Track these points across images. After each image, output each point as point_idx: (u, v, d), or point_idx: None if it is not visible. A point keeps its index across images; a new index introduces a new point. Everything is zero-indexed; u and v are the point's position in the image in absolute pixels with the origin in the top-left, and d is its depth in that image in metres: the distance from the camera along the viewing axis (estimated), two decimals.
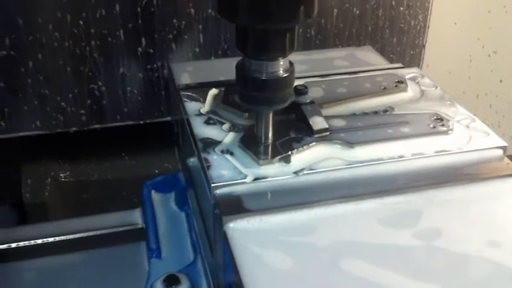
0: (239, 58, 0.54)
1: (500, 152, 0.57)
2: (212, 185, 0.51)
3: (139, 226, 0.77)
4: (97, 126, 0.91)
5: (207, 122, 0.61)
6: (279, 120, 0.57)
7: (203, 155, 0.55)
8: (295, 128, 0.58)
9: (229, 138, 0.58)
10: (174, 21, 0.85)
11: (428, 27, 1.00)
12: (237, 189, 0.51)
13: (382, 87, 0.66)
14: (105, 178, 1.04)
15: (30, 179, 1.02)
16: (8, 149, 0.93)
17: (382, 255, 0.46)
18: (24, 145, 0.94)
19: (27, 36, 0.81)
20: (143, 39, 0.85)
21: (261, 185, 0.52)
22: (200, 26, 0.86)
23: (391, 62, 0.96)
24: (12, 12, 0.79)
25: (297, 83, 0.63)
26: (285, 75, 0.52)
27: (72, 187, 1.05)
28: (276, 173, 0.53)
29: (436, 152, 0.55)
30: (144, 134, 0.95)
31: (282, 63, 0.52)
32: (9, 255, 0.74)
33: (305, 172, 0.53)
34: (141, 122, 0.92)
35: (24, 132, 0.89)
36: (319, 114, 0.58)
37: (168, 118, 0.90)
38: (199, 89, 0.67)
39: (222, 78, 0.70)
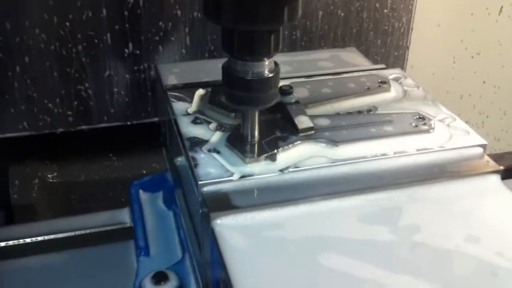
0: (225, 59, 0.55)
1: (480, 150, 0.58)
2: (199, 182, 0.52)
3: (128, 225, 0.77)
4: (84, 127, 0.91)
5: (194, 122, 0.62)
6: (265, 119, 0.59)
7: (190, 153, 0.56)
8: (280, 127, 0.59)
9: (216, 137, 0.59)
10: (161, 23, 0.85)
11: (412, 29, 1.01)
12: (224, 186, 0.52)
13: (366, 88, 0.67)
14: (92, 179, 1.05)
15: (18, 179, 1.02)
16: None
17: (363, 250, 0.47)
18: (12, 146, 0.94)
19: (14, 38, 0.81)
20: (130, 41, 0.86)
21: (247, 182, 0.53)
22: (186, 28, 0.87)
23: (376, 63, 0.98)
24: (1, 15, 0.80)
25: (282, 83, 0.64)
26: (270, 75, 0.53)
27: (59, 188, 1.05)
28: (262, 170, 0.54)
29: (417, 150, 0.57)
30: (131, 135, 0.95)
31: (267, 63, 0.53)
32: None
33: (290, 170, 0.54)
34: (128, 123, 0.92)
35: (11, 133, 0.89)
36: (304, 113, 0.60)
37: (155, 119, 0.91)
38: (186, 90, 0.68)
39: (208, 79, 0.71)
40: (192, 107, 0.65)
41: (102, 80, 0.87)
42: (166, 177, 0.80)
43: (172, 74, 0.74)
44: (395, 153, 0.56)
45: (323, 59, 0.79)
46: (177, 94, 0.67)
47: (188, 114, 0.64)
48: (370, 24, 0.98)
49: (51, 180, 1.04)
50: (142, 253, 0.69)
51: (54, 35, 0.82)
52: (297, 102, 0.61)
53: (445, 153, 0.57)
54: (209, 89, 0.67)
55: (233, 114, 0.62)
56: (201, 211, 0.52)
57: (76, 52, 0.84)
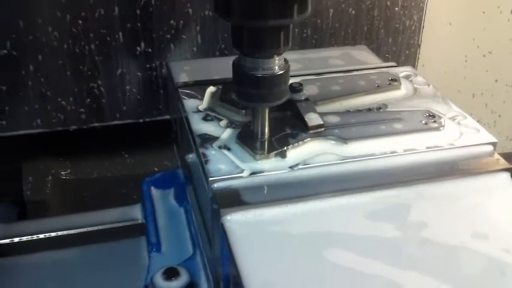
0: (236, 57, 0.56)
1: (490, 147, 0.58)
2: (210, 179, 0.52)
3: (140, 221, 0.78)
4: (96, 124, 0.92)
5: (205, 119, 0.62)
6: (275, 116, 0.59)
7: (201, 150, 0.57)
8: (290, 124, 0.59)
9: (226, 134, 0.59)
10: (172, 21, 0.86)
11: (423, 27, 1.02)
12: (235, 183, 0.53)
13: (376, 85, 0.68)
14: (104, 176, 1.06)
15: (31, 176, 1.03)
16: (9, 147, 0.94)
17: (371, 246, 0.48)
18: (25, 143, 0.95)
19: (27, 36, 0.82)
20: (142, 39, 0.87)
21: (257, 179, 0.53)
22: (198, 27, 0.87)
23: (387, 61, 0.98)
24: (13, 12, 0.81)
25: (292, 81, 0.65)
26: (280, 72, 0.54)
27: (72, 185, 1.06)
28: (272, 167, 0.54)
29: (427, 148, 0.57)
30: (143, 132, 0.96)
31: (277, 60, 0.53)
32: (11, 250, 0.75)
33: (300, 167, 0.54)
34: (140, 121, 0.93)
35: (24, 130, 0.90)
36: (314, 111, 0.60)
37: (167, 117, 0.92)
38: (197, 87, 0.69)
39: (219, 76, 0.71)
40: (203, 104, 0.65)
41: (115, 77, 0.88)
42: (177, 174, 0.80)
43: (183, 72, 0.74)
44: (404, 150, 0.57)
45: (333, 57, 0.79)
46: (188, 91, 0.68)
47: (199, 111, 0.64)
48: (381, 22, 0.98)
49: (64, 177, 1.05)
50: (154, 249, 0.70)
51: (66, 32, 0.83)
52: (306, 99, 0.62)
53: (455, 151, 0.57)
54: (220, 87, 0.67)
55: (244, 111, 0.62)
56: (211, 207, 0.53)
57: (89, 50, 0.85)
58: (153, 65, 0.89)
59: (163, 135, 0.89)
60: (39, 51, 0.84)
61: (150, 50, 0.87)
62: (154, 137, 0.94)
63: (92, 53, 0.86)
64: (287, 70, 0.54)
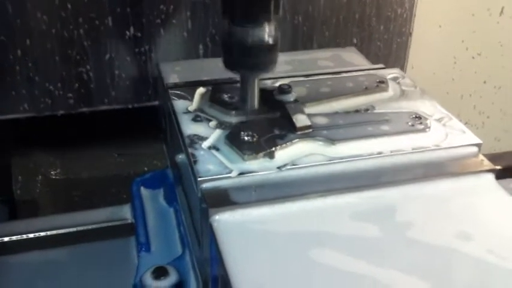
0: None
1: (475, 149, 0.59)
2: (199, 179, 0.53)
3: (129, 221, 0.78)
4: (85, 109, 0.92)
5: (195, 120, 0.63)
6: (264, 117, 0.60)
7: (190, 150, 0.57)
8: (279, 126, 0.60)
9: (215, 134, 0.60)
10: (162, 6, 0.86)
11: (414, 15, 1.02)
12: (223, 183, 0.53)
13: (364, 87, 0.68)
14: (94, 176, 1.06)
15: (21, 175, 1.04)
16: None
17: (357, 246, 0.49)
18: (13, 131, 0.96)
19: (15, 20, 0.82)
20: (131, 24, 0.86)
21: (246, 179, 0.54)
22: (188, 12, 0.87)
23: (378, 50, 0.99)
24: None
25: (282, 82, 0.66)
26: (270, 41, 0.55)
27: (62, 184, 1.06)
28: (260, 167, 0.55)
29: (413, 149, 0.58)
30: (131, 118, 0.96)
31: (266, 29, 0.55)
32: (2, 249, 0.75)
33: (288, 167, 0.55)
34: (129, 106, 0.93)
35: (12, 115, 0.90)
36: (303, 112, 0.61)
37: (156, 102, 0.92)
38: (187, 88, 0.69)
39: (209, 77, 0.72)
40: (193, 105, 0.66)
41: (103, 62, 0.88)
42: (167, 174, 0.81)
43: (174, 73, 0.75)
44: (391, 151, 0.57)
45: (323, 59, 0.80)
46: (178, 92, 0.68)
47: (189, 112, 0.65)
48: (372, 10, 0.98)
49: (54, 176, 1.06)
50: (143, 249, 0.70)
51: (55, 17, 0.83)
52: (295, 101, 0.63)
53: (440, 152, 0.58)
54: (210, 88, 0.68)
55: (233, 112, 0.63)
56: (200, 207, 0.53)
57: (77, 34, 0.85)
58: (142, 49, 0.88)
59: (152, 122, 0.88)
60: (27, 35, 0.83)
61: (139, 34, 0.87)
62: (143, 123, 0.94)
63: (80, 37, 0.85)
64: (277, 39, 0.56)
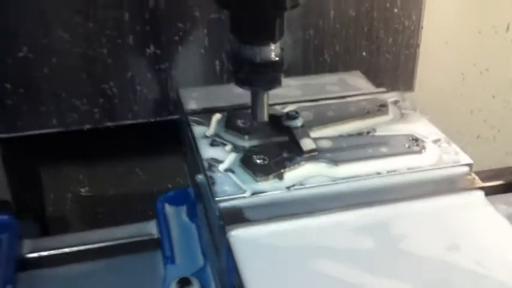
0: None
1: (466, 168, 0.64)
2: (216, 199, 0.59)
3: (155, 236, 0.83)
4: (109, 124, 0.95)
5: (212, 144, 0.69)
6: (273, 142, 0.66)
7: (208, 173, 0.63)
8: (287, 149, 0.66)
9: (231, 158, 0.65)
10: (180, 24, 0.90)
11: (422, 27, 1.05)
12: (238, 202, 0.59)
13: (366, 111, 0.74)
14: (119, 193, 1.12)
15: (52, 193, 1.10)
16: (27, 149, 1.01)
17: (355, 258, 0.54)
18: (43, 150, 1.01)
19: (42, 40, 0.86)
20: (151, 42, 0.90)
21: (258, 198, 0.60)
22: (205, 29, 0.91)
23: (387, 61, 1.03)
24: (31, 19, 0.85)
25: (291, 107, 0.72)
26: (276, 58, 0.61)
27: (90, 201, 1.12)
28: (271, 188, 0.61)
29: (408, 169, 0.63)
30: (153, 132, 1.00)
31: (272, 48, 0.61)
32: (38, 263, 0.80)
33: (296, 187, 0.61)
34: (151, 120, 0.97)
35: (41, 130, 0.93)
36: (308, 136, 0.67)
37: (176, 116, 0.95)
38: (204, 114, 0.75)
39: (224, 103, 0.77)
40: (210, 131, 0.72)
41: (125, 79, 0.92)
42: (189, 192, 0.86)
43: (192, 99, 0.80)
44: (388, 172, 0.63)
45: (329, 83, 0.85)
46: (196, 118, 0.74)
47: (206, 137, 0.70)
48: (380, 23, 1.01)
49: (83, 194, 1.12)
50: (169, 261, 0.75)
51: (80, 36, 0.87)
52: (302, 126, 0.68)
53: (434, 172, 0.63)
54: (225, 114, 0.74)
55: (246, 136, 0.69)
56: (218, 224, 0.59)
57: (101, 53, 0.89)
58: (162, 66, 0.92)
59: (173, 135, 0.91)
60: (53, 54, 0.87)
61: (159, 52, 0.91)
62: (165, 137, 0.99)
63: (103, 55, 0.89)
64: (282, 57, 0.62)
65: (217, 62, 0.94)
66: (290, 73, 0.76)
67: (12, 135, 0.92)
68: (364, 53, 1.03)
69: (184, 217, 0.84)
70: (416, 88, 1.11)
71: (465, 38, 1.25)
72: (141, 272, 0.81)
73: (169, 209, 0.86)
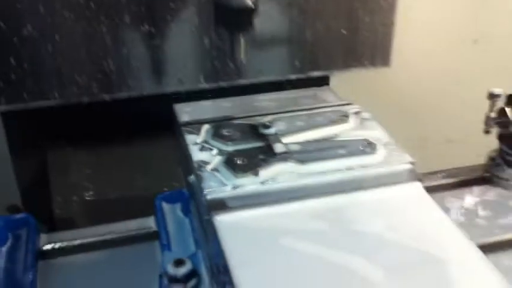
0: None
1: (409, 165, 0.77)
2: (204, 192, 0.71)
3: (153, 229, 0.93)
4: (106, 96, 1.00)
5: (201, 149, 0.80)
6: (251, 147, 0.79)
7: (198, 172, 0.76)
8: (263, 152, 0.78)
9: (216, 160, 0.77)
10: (172, 4, 0.95)
11: (396, 7, 1.10)
12: (222, 194, 0.71)
13: (331, 120, 0.87)
14: (122, 196, 1.23)
15: (59, 196, 1.19)
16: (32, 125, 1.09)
17: (315, 236, 0.68)
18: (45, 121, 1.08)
19: (46, 19, 0.91)
20: (145, 21, 0.95)
21: (238, 191, 0.71)
22: (195, 9, 0.96)
23: (364, 40, 1.09)
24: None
25: (267, 118, 0.86)
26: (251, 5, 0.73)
27: (95, 203, 1.22)
28: (248, 183, 0.72)
29: (361, 166, 0.76)
30: (146, 104, 1.07)
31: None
32: (52, 254, 0.89)
33: (269, 182, 0.73)
34: (144, 93, 1.02)
35: (44, 101, 0.98)
36: (280, 142, 0.80)
37: (168, 90, 1.02)
38: (196, 125, 0.87)
39: (212, 116, 0.89)
40: (200, 138, 0.83)
41: (122, 55, 0.98)
42: (183, 192, 0.96)
43: (185, 113, 0.92)
44: (346, 168, 0.76)
45: (301, 97, 0.98)
46: (188, 129, 0.86)
47: (197, 143, 0.81)
48: (359, 3, 1.06)
49: (87, 198, 1.21)
50: (166, 248, 0.83)
51: (81, 15, 0.93)
52: (275, 134, 0.81)
53: (382, 168, 0.77)
54: (213, 124, 0.87)
55: (230, 143, 0.81)
56: (206, 212, 0.71)
57: (100, 31, 0.94)
58: (155, 43, 0.97)
59: (165, 110, 0.99)
60: (56, 31, 0.93)
61: (153, 29, 0.96)
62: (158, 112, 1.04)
63: (103, 33, 0.94)
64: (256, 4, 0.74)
65: (206, 40, 0.99)
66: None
67: (19, 106, 0.98)
68: (344, 32, 1.08)
69: (179, 212, 0.94)
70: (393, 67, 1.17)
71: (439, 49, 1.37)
72: (142, 260, 0.91)
73: (166, 206, 0.96)
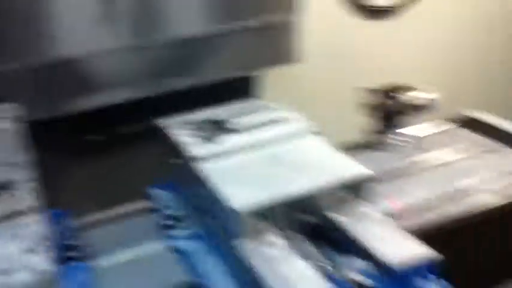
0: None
1: (307, 124, 1.31)
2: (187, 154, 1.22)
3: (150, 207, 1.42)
4: None
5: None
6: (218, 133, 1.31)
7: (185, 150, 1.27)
8: (221, 129, 1.31)
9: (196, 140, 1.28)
10: None
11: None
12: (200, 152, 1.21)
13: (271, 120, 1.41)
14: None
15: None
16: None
17: (262, 164, 1.19)
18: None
19: None
20: None
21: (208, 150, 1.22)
22: None
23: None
24: None
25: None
26: None
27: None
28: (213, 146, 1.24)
29: (280, 129, 1.30)
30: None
31: None
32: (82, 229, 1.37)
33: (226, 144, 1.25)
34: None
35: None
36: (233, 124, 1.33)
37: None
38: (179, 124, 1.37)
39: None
40: (182, 132, 1.35)
41: None
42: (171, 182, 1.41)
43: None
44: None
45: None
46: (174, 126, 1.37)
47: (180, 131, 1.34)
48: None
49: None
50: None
51: None
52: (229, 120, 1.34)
53: (291, 126, 1.30)
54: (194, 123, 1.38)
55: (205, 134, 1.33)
56: (193, 167, 1.20)
57: None
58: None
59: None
60: None
61: None
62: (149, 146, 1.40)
63: None
64: None
65: None
66: None
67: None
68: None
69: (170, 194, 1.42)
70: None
71: None
72: (142, 227, 1.41)
73: (158, 191, 1.44)
